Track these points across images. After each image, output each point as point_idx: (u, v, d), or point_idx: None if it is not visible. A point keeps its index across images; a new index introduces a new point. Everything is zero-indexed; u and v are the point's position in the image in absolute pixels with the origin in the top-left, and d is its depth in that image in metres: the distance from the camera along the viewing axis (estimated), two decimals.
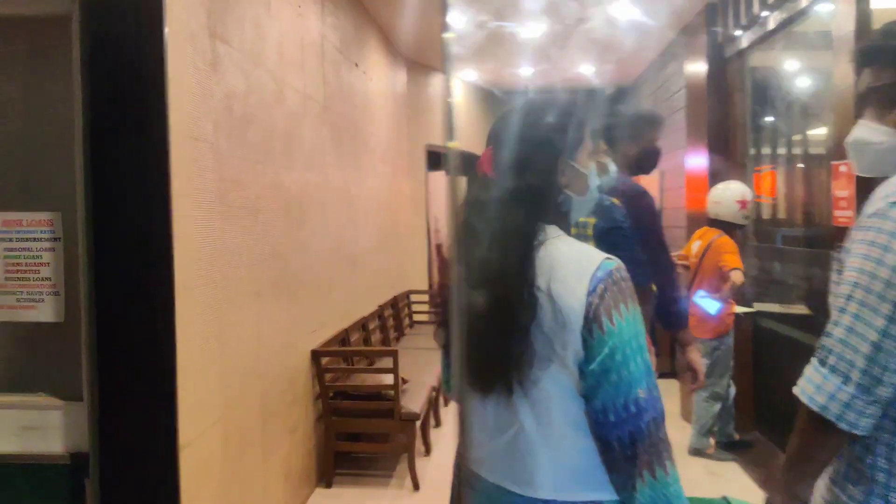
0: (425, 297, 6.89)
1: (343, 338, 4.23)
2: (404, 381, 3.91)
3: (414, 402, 3.79)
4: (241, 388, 2.72)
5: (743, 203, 4.17)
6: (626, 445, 1.17)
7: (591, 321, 1.19)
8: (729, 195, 4.21)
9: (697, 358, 2.55)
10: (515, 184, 1.35)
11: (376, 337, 5.13)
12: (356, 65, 4.91)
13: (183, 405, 2.05)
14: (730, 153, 5.02)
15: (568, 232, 1.36)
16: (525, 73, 7.46)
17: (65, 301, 1.82)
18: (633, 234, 2.26)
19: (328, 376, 3.71)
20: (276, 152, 3.20)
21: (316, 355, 3.63)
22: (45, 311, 1.82)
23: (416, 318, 6.58)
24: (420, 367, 4.52)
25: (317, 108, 3.91)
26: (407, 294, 6.36)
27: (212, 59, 2.44)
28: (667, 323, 2.52)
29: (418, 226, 6.90)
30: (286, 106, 3.37)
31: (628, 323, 1.20)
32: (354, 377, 3.87)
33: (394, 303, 5.83)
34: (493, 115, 8.20)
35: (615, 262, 1.25)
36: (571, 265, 1.24)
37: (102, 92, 1.65)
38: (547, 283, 1.23)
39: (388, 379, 3.70)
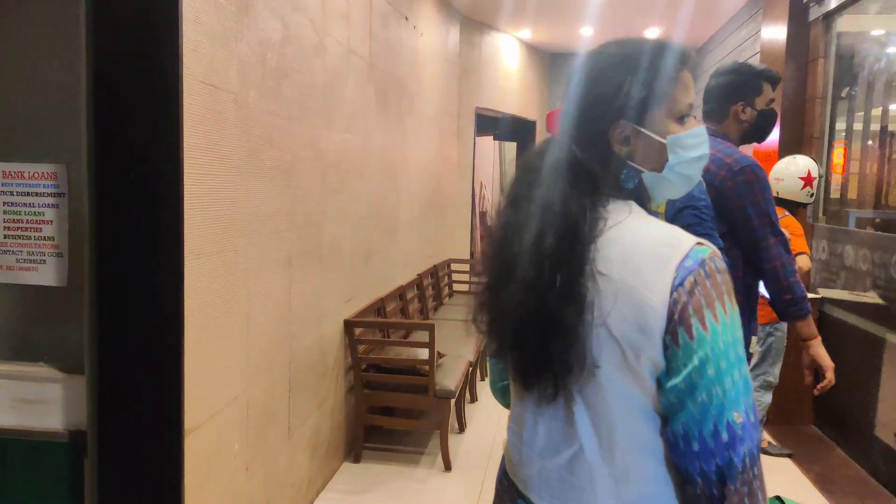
0: (466, 267, 6.67)
1: (379, 307, 4.05)
2: (440, 356, 3.72)
3: (449, 377, 3.61)
4: (267, 360, 2.56)
5: (807, 180, 3.79)
6: (712, 483, 0.93)
7: (677, 324, 0.95)
8: (792, 171, 3.84)
9: (822, 353, 2.28)
10: (563, 150, 1.10)
11: (414, 306, 4.95)
12: (406, 18, 4.63)
13: (195, 382, 1.88)
14: (805, 126, 4.61)
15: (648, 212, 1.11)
16: (586, 33, 7.05)
17: (68, 263, 1.66)
18: (710, 212, 1.99)
19: (361, 348, 3.54)
20: (313, 110, 2.98)
21: (349, 325, 3.46)
22: (47, 274, 1.66)
23: (457, 287, 6.38)
24: (457, 341, 4.33)
25: (361, 64, 3.66)
26: (448, 263, 6.15)
27: (241, 1, 2.22)
28: (783, 313, 2.25)
29: (464, 192, 6.65)
30: (328, 60, 3.14)
31: (725, 328, 0.95)
32: (388, 350, 3.69)
33: (433, 272, 5.63)
34: (550, 78, 7.82)
35: (709, 249, 0.99)
36: (650, 251, 0.99)
37: (106, 25, 1.45)
38: (618, 272, 0.98)
39: (424, 353, 3.51)
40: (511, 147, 9.54)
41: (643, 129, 1.07)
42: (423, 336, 3.54)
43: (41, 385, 1.66)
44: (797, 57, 4.64)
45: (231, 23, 2.10)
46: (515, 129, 8.06)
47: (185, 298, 1.60)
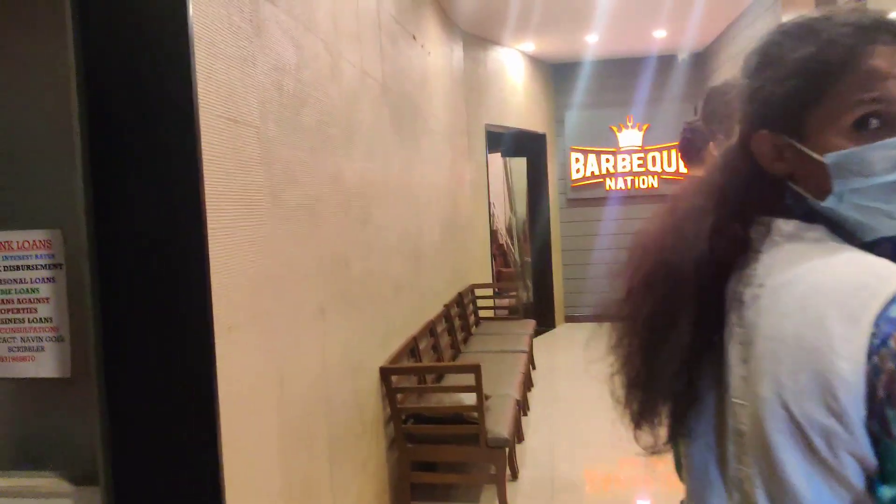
0: (489, 291, 6.35)
1: (412, 347, 3.72)
2: (486, 398, 3.38)
3: (500, 422, 3.27)
4: (304, 430, 2.22)
5: None
6: None
7: (884, 405, 0.62)
8: None
9: None
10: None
11: (444, 341, 4.62)
12: (413, 37, 4.35)
13: (229, 482, 1.56)
14: None
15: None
16: (591, 40, 6.79)
17: (71, 349, 1.35)
18: None
19: (399, 397, 3.20)
20: (334, 139, 2.68)
21: (385, 374, 3.13)
22: (46, 364, 1.34)
23: (482, 314, 6.05)
24: (498, 377, 4.00)
25: (375, 86, 3.37)
26: (471, 289, 5.83)
27: (254, 20, 1.92)
28: None
29: (480, 211, 6.34)
30: (343, 83, 2.85)
31: None
32: (429, 397, 3.35)
33: (459, 300, 5.31)
34: (555, 89, 7.55)
35: None
36: (836, 295, 0.67)
37: (103, 57, 1.15)
38: (793, 327, 0.69)
39: (469, 398, 3.18)
40: (519, 162, 9.25)
41: (799, 145, 0.76)
42: (466, 379, 3.21)
43: (49, 501, 1.34)
44: None
45: (246, 44, 1.80)
46: (523, 144, 7.78)
47: (218, 385, 1.28)
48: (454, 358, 4.70)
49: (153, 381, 1.21)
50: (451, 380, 3.67)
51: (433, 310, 4.51)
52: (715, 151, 2.83)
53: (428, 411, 3.23)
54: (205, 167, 1.28)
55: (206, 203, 1.28)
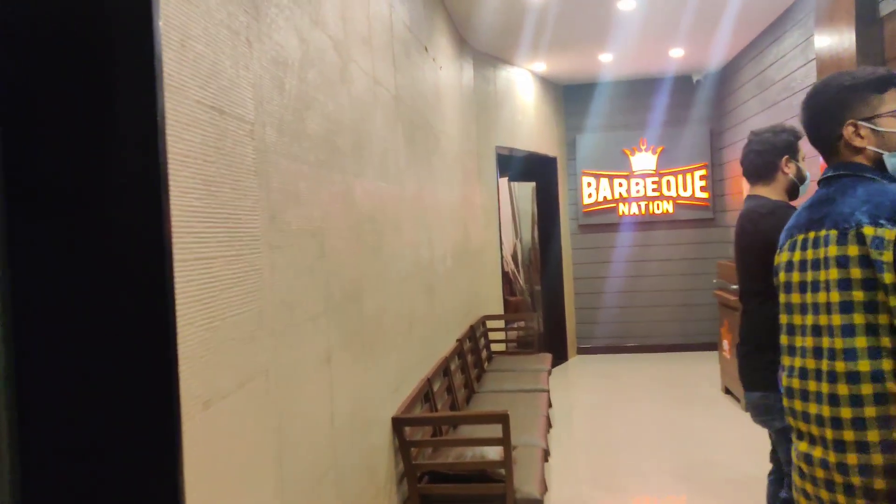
0: (501, 324, 5.94)
1: (426, 391, 3.31)
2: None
3: (528, 479, 2.84)
4: (312, 498, 1.80)
5: None
6: None
7: None
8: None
9: None
10: None
11: (457, 380, 4.20)
12: (426, 49, 4.01)
13: None
14: None
15: None
16: (605, 59, 6.47)
17: None
18: None
19: (414, 451, 2.78)
20: (343, 153, 2.30)
21: (399, 425, 2.71)
22: None
23: (494, 347, 5.63)
24: (517, 420, 3.56)
25: (388, 97, 3.01)
26: (483, 321, 5.42)
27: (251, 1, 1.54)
28: None
29: (491, 237, 5.96)
30: (353, 90, 2.47)
31: None
32: (448, 450, 2.92)
33: (471, 334, 4.89)
34: (565, 111, 7.22)
35: None
36: None
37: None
38: None
39: (494, 451, 2.76)
40: (524, 187, 8.90)
41: None
42: (489, 429, 2.79)
43: None
44: (869, 59, 4.02)
45: (241, 16, 1.42)
46: (533, 167, 7.43)
47: (186, 488, 0.88)
48: (468, 399, 4.28)
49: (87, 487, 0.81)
50: (471, 427, 3.24)
51: (446, 346, 4.10)
52: (787, 169, 2.47)
53: (447, 468, 2.80)
54: (172, 172, 0.90)
55: (173, 224, 0.89)
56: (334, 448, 2.04)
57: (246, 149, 1.44)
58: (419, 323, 3.38)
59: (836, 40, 4.22)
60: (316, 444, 1.88)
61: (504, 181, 8.66)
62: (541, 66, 6.70)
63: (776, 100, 5.38)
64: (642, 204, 7.44)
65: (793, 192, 2.51)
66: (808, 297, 1.50)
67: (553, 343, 7.28)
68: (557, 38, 5.73)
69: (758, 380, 2.45)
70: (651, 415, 5.16)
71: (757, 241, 2.36)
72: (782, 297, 1.61)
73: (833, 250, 1.44)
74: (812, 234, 1.51)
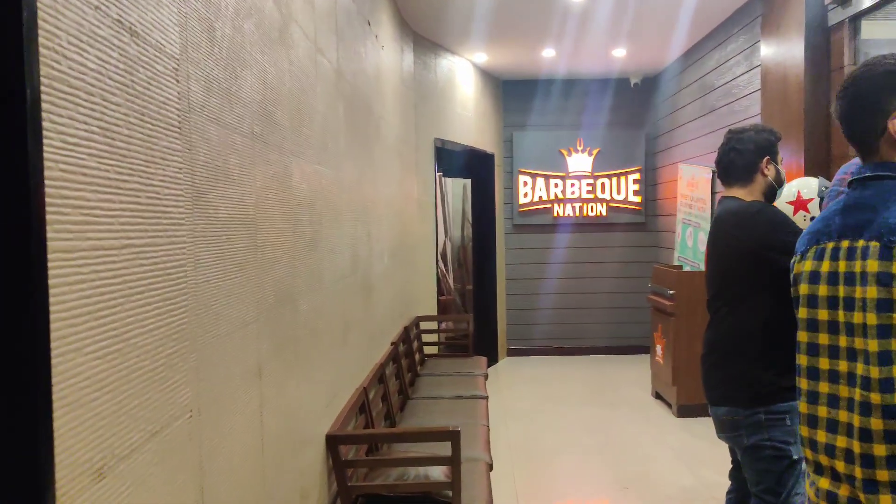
0: (434, 325, 5.66)
1: (362, 402, 2.97)
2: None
3: (475, 497, 2.57)
4: None
5: (797, 204, 3.08)
6: None
7: None
8: (779, 197, 3.18)
9: None
10: None
11: (392, 386, 3.88)
12: (368, 23, 3.67)
13: None
14: (832, 145, 3.94)
15: None
16: (547, 55, 6.30)
17: None
18: None
19: (350, 471, 2.45)
20: (281, 126, 1.95)
21: (333, 443, 2.37)
22: None
23: (427, 349, 5.34)
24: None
25: (329, 70, 2.66)
26: (416, 322, 5.12)
27: None
28: None
29: (427, 234, 5.66)
30: (295, 56, 2.12)
31: None
32: (388, 469, 2.60)
33: (405, 336, 4.59)
34: (504, 107, 7.02)
35: None
36: None
37: None
38: None
39: (439, 471, 2.47)
40: (456, 184, 8.65)
41: None
42: (438, 447, 2.50)
43: None
44: (816, 68, 3.98)
45: None
46: (469, 163, 7.18)
47: None
48: (403, 406, 3.97)
49: None
50: (415, 448, 2.93)
51: (381, 350, 3.78)
52: (767, 171, 2.29)
53: (387, 489, 2.49)
54: (49, 107, 0.56)
55: (47, 192, 0.56)
56: (263, 476, 1.69)
57: (168, 94, 1.08)
58: (355, 326, 3.05)
59: (783, 48, 4.17)
60: (243, 478, 1.53)
61: (438, 176, 8.39)
62: (482, 57, 6.45)
63: (716, 105, 5.34)
64: (577, 205, 7.34)
65: (770, 195, 2.34)
66: (840, 316, 1.28)
67: (483, 344, 7.06)
68: (501, 28, 5.49)
69: (724, 394, 2.27)
70: (585, 420, 5.01)
71: (745, 243, 2.18)
72: (803, 312, 1.39)
73: (874, 265, 1.23)
74: (846, 244, 1.29)
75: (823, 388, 1.31)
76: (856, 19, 3.78)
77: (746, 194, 2.31)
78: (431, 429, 2.52)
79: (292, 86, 2.08)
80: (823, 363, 1.31)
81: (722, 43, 5.21)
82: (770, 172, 2.29)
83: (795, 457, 2.14)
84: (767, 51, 4.40)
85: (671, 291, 4.96)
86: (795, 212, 3.11)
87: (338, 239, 2.70)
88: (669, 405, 5.13)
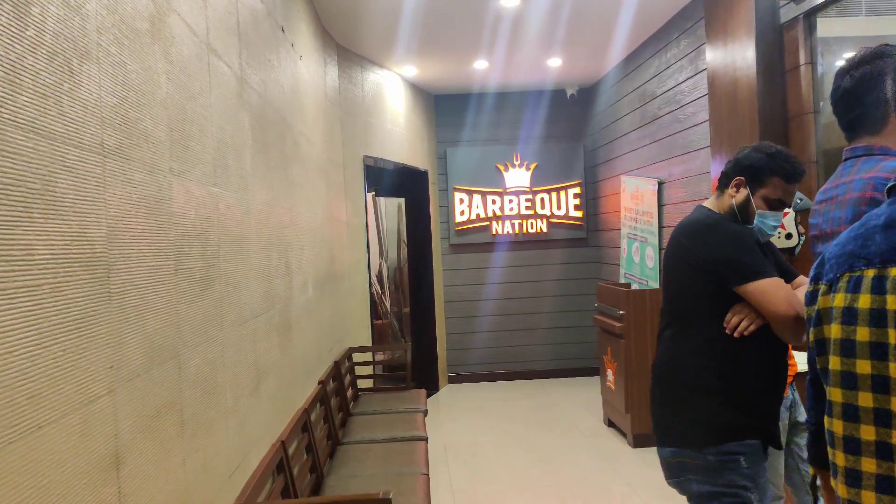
0: (369, 356, 5.26)
1: (280, 459, 2.56)
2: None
3: None
4: None
5: None
6: None
7: None
8: None
9: None
10: None
11: (320, 431, 3.47)
12: (283, 30, 3.29)
13: None
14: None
15: None
16: (480, 66, 6.05)
17: None
18: None
19: None
20: (153, 139, 1.55)
21: None
22: None
23: (361, 384, 4.93)
24: (395, 480, 2.92)
25: (228, 75, 2.27)
26: (348, 354, 4.72)
27: None
28: None
29: (358, 259, 5.27)
30: (176, 53, 1.74)
31: None
32: None
33: (335, 372, 4.17)
34: (437, 122, 6.73)
35: None
36: None
37: None
38: None
39: None
40: (391, 203, 8.31)
41: None
42: None
43: None
44: (769, 69, 3.83)
45: None
46: (402, 182, 6.85)
47: None
48: (333, 453, 3.55)
49: None
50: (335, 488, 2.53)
51: (305, 392, 3.37)
52: (733, 192, 2.03)
53: None
54: None
55: None
56: None
57: None
58: (272, 371, 2.64)
59: (731, 50, 3.99)
60: None
61: (370, 196, 8.02)
62: (412, 71, 6.15)
63: (658, 114, 5.18)
64: (516, 222, 7.09)
65: (732, 219, 2.01)
66: (892, 370, 0.94)
67: (422, 372, 6.70)
68: (430, 39, 5.21)
69: (668, 432, 1.98)
70: (534, 453, 4.69)
71: (696, 256, 1.91)
72: (835, 362, 1.02)
73: None
74: (894, 272, 0.95)
75: (868, 465, 0.97)
76: (810, 15, 3.63)
77: (715, 206, 2.04)
78: (359, 496, 2.15)
79: (172, 90, 1.69)
80: (867, 433, 0.97)
81: (662, 49, 5.05)
82: (737, 197, 1.99)
83: None
84: (714, 54, 4.24)
85: (620, 312, 4.70)
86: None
87: (244, 273, 2.30)
88: (624, 434, 4.86)
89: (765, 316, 1.80)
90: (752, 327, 1.82)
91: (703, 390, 1.89)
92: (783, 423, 2.86)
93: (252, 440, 2.33)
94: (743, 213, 1.97)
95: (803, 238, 2.92)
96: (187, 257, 1.72)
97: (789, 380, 2.86)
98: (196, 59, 1.92)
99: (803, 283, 2.00)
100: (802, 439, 2.91)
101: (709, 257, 1.87)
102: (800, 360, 3.15)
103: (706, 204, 2.05)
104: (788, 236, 2.87)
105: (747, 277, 1.80)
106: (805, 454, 2.97)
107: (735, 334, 1.84)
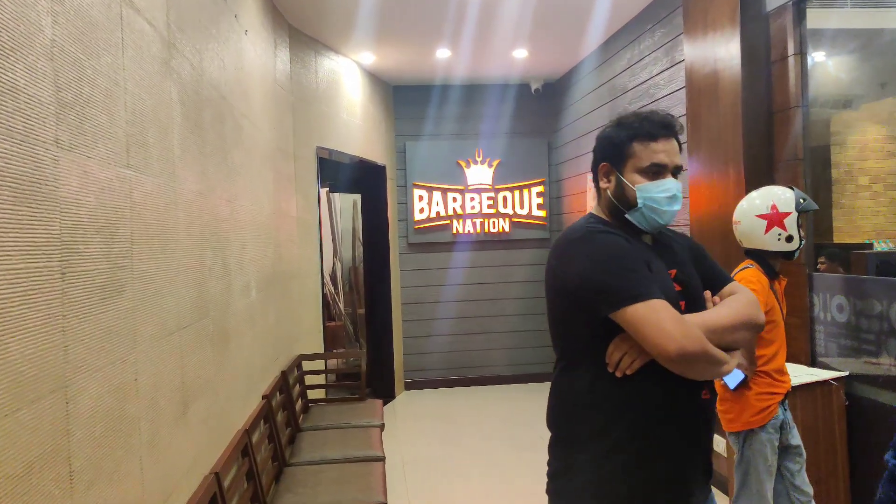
0: (322, 364, 4.86)
1: (213, 494, 2.16)
2: None
3: None
4: None
5: (772, 218, 2.64)
6: None
7: None
8: (747, 209, 2.71)
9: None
10: None
11: (264, 452, 3.07)
12: None
13: None
14: (777, 147, 3.55)
15: None
16: (442, 55, 5.70)
17: None
18: None
19: None
20: (27, 96, 1.16)
21: None
22: None
23: (312, 394, 4.53)
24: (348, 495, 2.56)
25: (148, 32, 1.87)
26: (298, 362, 4.31)
27: None
28: None
29: (309, 258, 4.86)
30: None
31: None
32: None
33: (282, 383, 3.77)
34: (396, 114, 6.36)
35: None
36: None
37: None
38: None
39: None
40: (345, 199, 7.91)
41: None
42: None
43: None
44: (754, 60, 3.58)
45: None
46: (358, 177, 6.46)
47: None
48: (279, 476, 3.16)
49: None
50: None
51: (246, 410, 2.97)
52: (603, 182, 1.68)
53: None
54: None
55: None
56: None
57: None
58: (203, 392, 2.24)
59: (712, 40, 3.72)
60: None
61: (324, 192, 7.60)
62: (369, 58, 5.76)
63: (630, 108, 4.91)
64: (478, 221, 6.77)
65: (617, 214, 1.60)
66: None
67: (378, 378, 6.32)
68: (390, 22, 4.83)
69: (553, 487, 1.64)
70: (497, 466, 4.37)
71: (559, 279, 1.53)
72: None
73: None
74: None
75: None
76: (800, 2, 3.39)
77: (601, 209, 1.65)
78: None
79: (61, 37, 1.30)
80: None
81: (635, 40, 4.79)
82: (608, 185, 1.61)
83: None
84: (692, 44, 3.98)
85: None
86: (768, 228, 2.61)
87: (168, 276, 1.90)
88: None
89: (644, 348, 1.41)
90: (636, 364, 1.43)
91: (568, 439, 1.54)
92: (773, 444, 2.60)
93: (178, 476, 1.93)
94: (622, 200, 1.57)
95: (804, 241, 2.67)
96: (81, 256, 1.33)
97: (780, 398, 2.61)
98: (102, 5, 1.52)
99: (735, 291, 1.60)
100: (795, 464, 2.65)
101: (575, 280, 1.47)
102: (794, 374, 2.91)
103: (595, 209, 1.67)
104: (789, 238, 2.60)
105: (617, 302, 1.40)
106: (797, 480, 2.75)
107: (617, 373, 1.45)
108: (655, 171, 1.54)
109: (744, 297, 1.57)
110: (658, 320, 1.35)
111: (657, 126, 1.55)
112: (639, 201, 1.53)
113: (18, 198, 1.10)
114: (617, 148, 1.57)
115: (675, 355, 1.34)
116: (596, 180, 1.65)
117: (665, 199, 1.53)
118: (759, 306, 1.60)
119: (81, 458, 1.30)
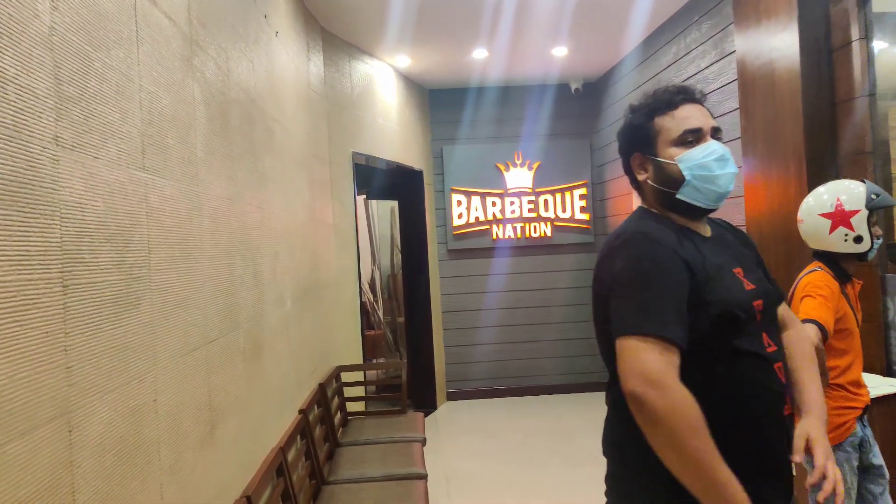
0: (361, 375, 4.73)
1: None
2: None
3: None
4: None
5: (836, 216, 2.37)
6: None
7: None
8: (812, 206, 2.45)
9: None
10: None
11: (300, 470, 2.93)
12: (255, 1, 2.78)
13: None
14: (840, 140, 3.28)
15: None
16: (479, 55, 5.54)
17: None
18: None
19: None
20: (19, 87, 1.03)
21: None
22: None
23: (351, 407, 4.40)
24: None
25: (169, 30, 1.76)
26: (336, 374, 4.18)
27: None
28: None
29: (347, 266, 4.74)
30: None
31: None
32: None
33: (320, 396, 3.64)
34: (432, 119, 6.22)
35: None
36: None
37: None
38: None
39: None
40: (383, 206, 7.80)
41: None
42: None
43: None
44: (814, 49, 3.33)
45: None
46: (395, 183, 6.33)
47: None
48: (318, 495, 3.02)
49: None
50: None
51: (282, 426, 2.84)
52: (639, 173, 1.49)
53: None
54: None
55: None
56: None
57: None
58: (233, 409, 2.11)
59: (766, 29, 3.46)
60: None
61: (361, 199, 7.50)
62: (404, 61, 5.64)
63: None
64: (518, 226, 6.57)
65: (668, 202, 1.41)
66: None
67: (419, 388, 6.16)
68: (425, 24, 4.69)
69: None
70: (544, 485, 4.16)
71: (601, 286, 1.35)
72: None
73: None
74: None
75: None
76: None
77: (648, 203, 1.47)
78: None
79: (64, 26, 1.17)
80: None
81: (681, 33, 4.56)
82: (646, 173, 1.43)
83: None
84: (744, 35, 3.74)
85: None
86: (833, 228, 2.35)
87: (193, 286, 1.78)
88: None
89: None
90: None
91: (628, 477, 1.40)
92: (851, 465, 2.34)
93: (205, 502, 1.80)
94: (667, 182, 1.38)
95: (880, 241, 2.40)
96: (87, 266, 1.20)
97: (858, 412, 2.35)
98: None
99: (784, 318, 1.47)
100: (877, 486, 2.39)
101: (611, 290, 1.30)
102: (870, 386, 2.65)
103: (644, 203, 1.48)
104: (858, 239, 2.34)
105: (620, 329, 1.23)
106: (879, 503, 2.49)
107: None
108: (692, 139, 1.36)
109: (801, 346, 1.48)
110: (639, 357, 1.18)
111: (671, 94, 1.40)
112: (685, 174, 1.35)
113: (5, 200, 0.97)
114: (640, 130, 1.41)
115: (630, 397, 1.18)
116: (634, 180, 1.46)
117: (714, 161, 1.35)
118: (814, 333, 1.46)
119: (88, 492, 1.16)
